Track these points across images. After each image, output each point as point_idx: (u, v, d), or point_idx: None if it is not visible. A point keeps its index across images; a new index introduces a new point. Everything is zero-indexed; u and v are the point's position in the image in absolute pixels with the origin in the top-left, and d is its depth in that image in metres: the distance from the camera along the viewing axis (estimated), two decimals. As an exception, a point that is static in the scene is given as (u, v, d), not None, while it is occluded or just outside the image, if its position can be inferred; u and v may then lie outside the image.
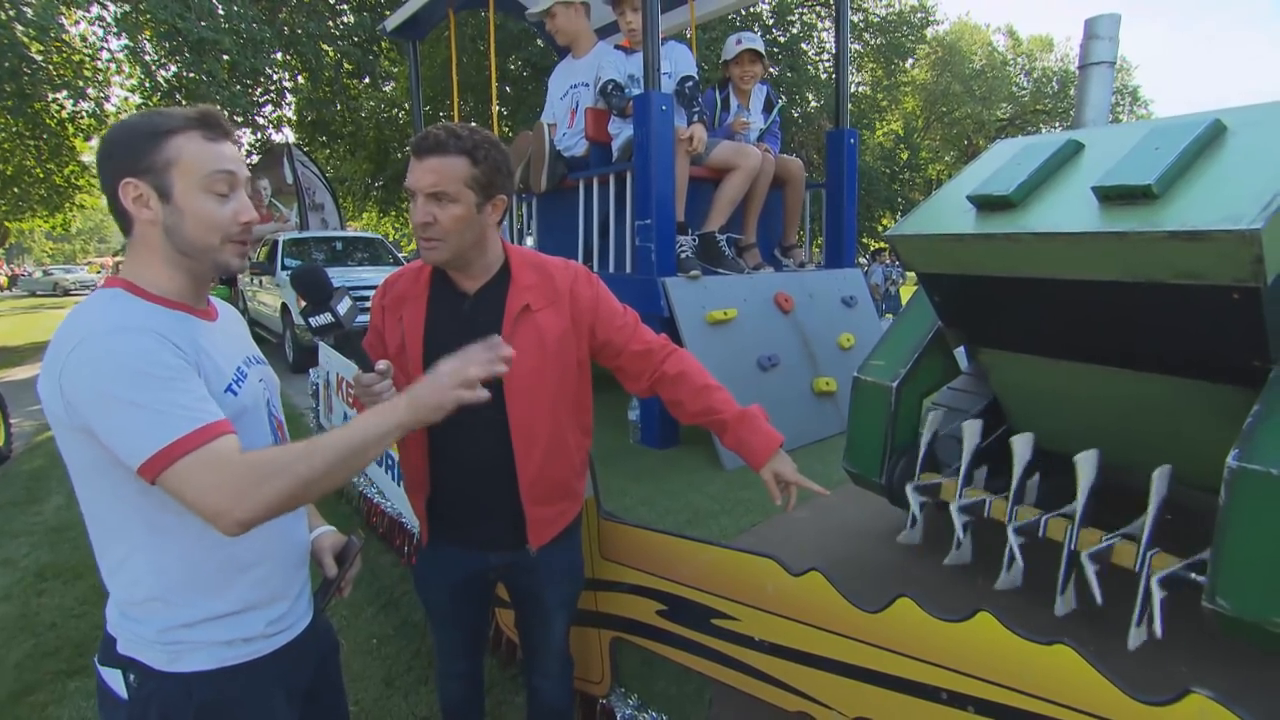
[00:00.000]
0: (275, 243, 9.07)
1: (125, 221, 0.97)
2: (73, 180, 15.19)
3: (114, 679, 0.99)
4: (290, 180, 10.88)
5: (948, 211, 1.45)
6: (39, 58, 11.03)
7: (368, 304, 1.44)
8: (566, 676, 1.64)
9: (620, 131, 3.09)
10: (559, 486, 1.44)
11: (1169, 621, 1.19)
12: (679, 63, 3.18)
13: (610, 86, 3.00)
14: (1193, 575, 1.16)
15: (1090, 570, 1.27)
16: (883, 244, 17.08)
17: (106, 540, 0.98)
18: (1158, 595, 1.17)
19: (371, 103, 16.06)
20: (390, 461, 3.23)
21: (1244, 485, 1.02)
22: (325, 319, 1.13)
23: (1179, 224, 1.05)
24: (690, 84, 3.11)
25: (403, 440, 1.46)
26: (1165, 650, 1.19)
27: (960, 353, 1.78)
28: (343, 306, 1.14)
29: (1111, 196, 1.17)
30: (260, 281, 9.33)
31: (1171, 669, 1.09)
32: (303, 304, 1.16)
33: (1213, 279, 1.06)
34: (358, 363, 1.20)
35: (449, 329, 1.36)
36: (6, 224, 17.42)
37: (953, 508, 1.52)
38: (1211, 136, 1.19)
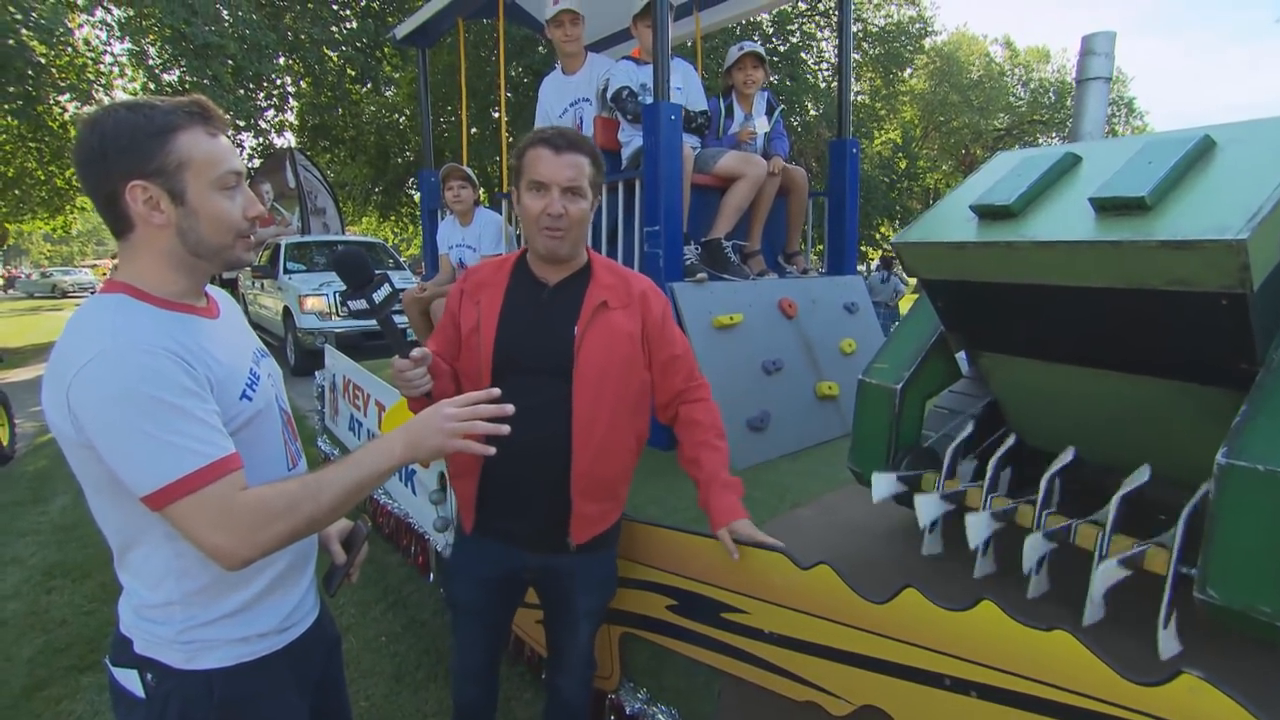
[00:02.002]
0: (277, 246, 9.12)
1: (124, 224, 0.92)
2: (74, 183, 15.21)
3: (129, 679, 0.99)
4: (292, 184, 10.95)
5: (950, 220, 1.50)
6: (43, 60, 11.08)
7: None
8: (587, 678, 1.68)
9: (630, 140, 3.15)
10: (606, 485, 1.47)
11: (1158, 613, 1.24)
12: (690, 86, 3.25)
13: (626, 93, 3.05)
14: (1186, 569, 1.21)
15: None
16: (884, 252, 17.17)
17: (125, 547, 0.98)
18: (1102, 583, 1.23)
19: (373, 108, 16.14)
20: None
21: (1231, 481, 1.08)
22: (360, 304, 1.18)
23: (1170, 234, 1.10)
24: (700, 118, 3.20)
25: None
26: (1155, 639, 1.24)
27: (961, 357, 1.83)
28: (379, 294, 1.18)
29: (1107, 207, 1.22)
30: (262, 285, 9.37)
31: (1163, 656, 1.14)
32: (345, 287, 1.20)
33: (1202, 286, 1.12)
34: (395, 348, 1.25)
35: (525, 315, 1.42)
36: (6, 225, 17.41)
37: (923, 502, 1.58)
38: (1201, 151, 1.25)
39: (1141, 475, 1.31)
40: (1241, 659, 1.23)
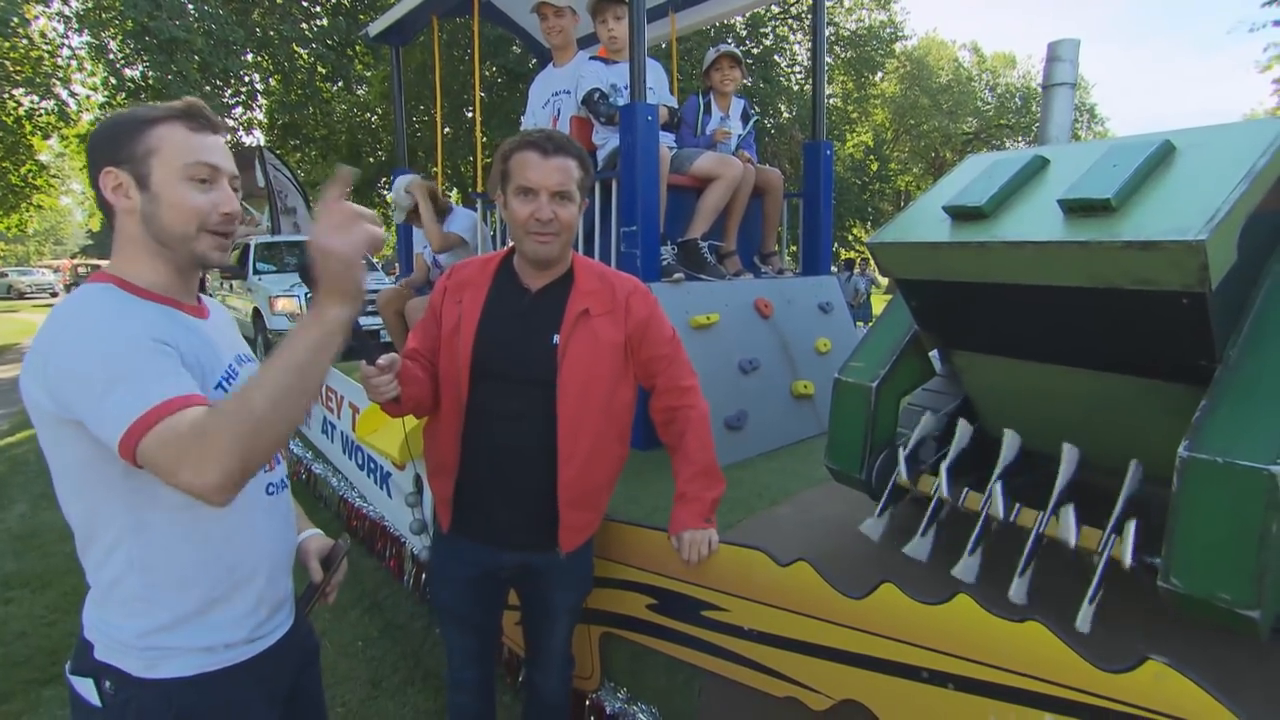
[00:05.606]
0: (247, 246, 8.92)
1: (107, 212, 0.97)
2: (30, 180, 14.71)
3: (85, 687, 0.97)
4: (262, 184, 10.72)
5: (924, 221, 1.53)
6: (-3, 53, 10.72)
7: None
8: (566, 676, 1.67)
9: (606, 141, 3.14)
10: (593, 494, 1.47)
11: (1126, 604, 1.28)
12: (659, 85, 3.27)
13: (596, 95, 3.05)
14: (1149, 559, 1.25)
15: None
16: (853, 253, 17.43)
17: (91, 538, 0.96)
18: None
19: (344, 106, 15.88)
20: (373, 465, 3.23)
21: (1193, 473, 1.12)
22: None
23: (1134, 234, 1.14)
24: (674, 115, 3.22)
25: (432, 423, 1.48)
26: (1124, 630, 1.28)
27: (935, 355, 1.87)
28: None
29: (1075, 209, 1.26)
30: (231, 285, 9.16)
31: (1129, 645, 1.18)
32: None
33: (1164, 285, 1.16)
34: (363, 354, 1.23)
35: (505, 320, 1.40)
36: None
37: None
38: (1163, 155, 1.29)
39: (1068, 533, 1.35)
40: (1210, 646, 1.28)
